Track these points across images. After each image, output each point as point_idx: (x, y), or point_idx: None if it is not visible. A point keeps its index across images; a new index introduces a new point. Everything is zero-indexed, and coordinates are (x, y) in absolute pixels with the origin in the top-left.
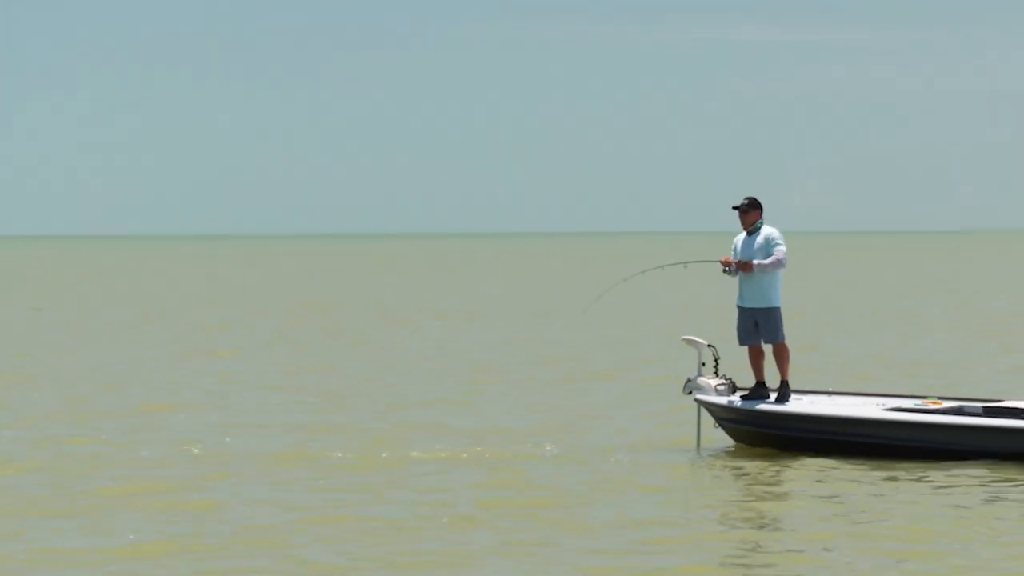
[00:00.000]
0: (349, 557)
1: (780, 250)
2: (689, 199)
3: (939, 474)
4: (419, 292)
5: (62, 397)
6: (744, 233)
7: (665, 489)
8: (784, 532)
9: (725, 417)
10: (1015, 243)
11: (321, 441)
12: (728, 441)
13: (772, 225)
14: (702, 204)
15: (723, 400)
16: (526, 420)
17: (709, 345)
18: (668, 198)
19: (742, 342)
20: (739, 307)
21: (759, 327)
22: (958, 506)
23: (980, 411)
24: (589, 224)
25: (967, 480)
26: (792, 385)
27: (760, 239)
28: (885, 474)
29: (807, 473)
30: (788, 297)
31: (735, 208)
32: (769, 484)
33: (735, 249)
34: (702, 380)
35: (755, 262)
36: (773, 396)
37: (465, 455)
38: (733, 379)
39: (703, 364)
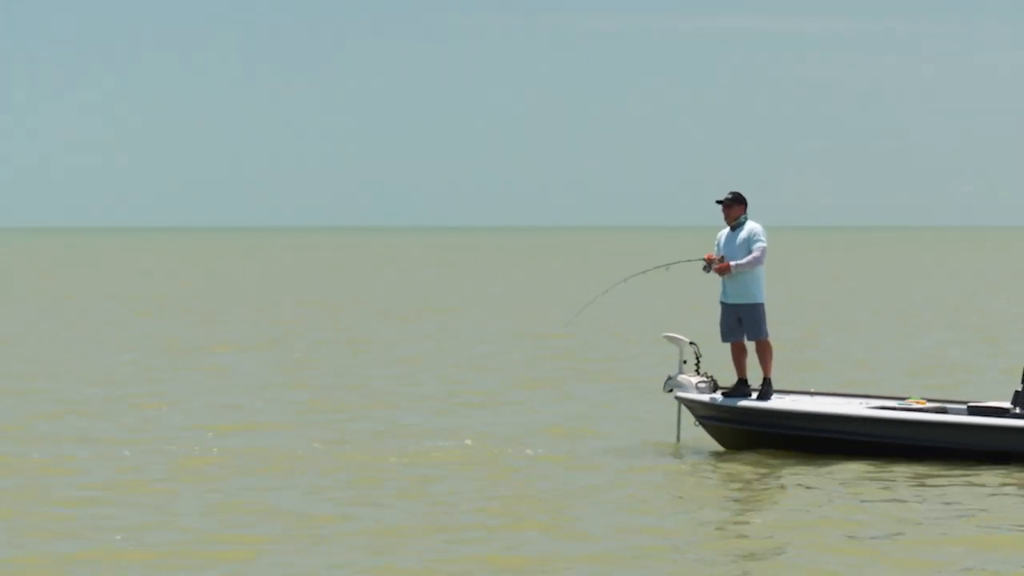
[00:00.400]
0: (338, 560)
1: (759, 247)
2: (688, 195)
3: (923, 472)
4: (416, 288)
5: (51, 393)
6: (728, 228)
7: (645, 488)
8: (765, 532)
9: (706, 415)
10: (1015, 242)
11: (314, 440)
12: (709, 439)
13: (758, 220)
14: (700, 200)
15: (704, 397)
16: (512, 421)
17: (691, 342)
18: (668, 197)
19: (725, 339)
20: (722, 303)
21: (742, 323)
22: (943, 503)
23: (964, 411)
24: (585, 218)
25: (950, 478)
26: (775, 385)
27: (743, 234)
28: (869, 472)
29: (789, 471)
30: (782, 293)
31: (719, 202)
32: (749, 482)
33: (718, 244)
34: (683, 377)
35: (732, 263)
36: (755, 394)
37: (450, 456)
38: (715, 377)
39: (684, 362)
